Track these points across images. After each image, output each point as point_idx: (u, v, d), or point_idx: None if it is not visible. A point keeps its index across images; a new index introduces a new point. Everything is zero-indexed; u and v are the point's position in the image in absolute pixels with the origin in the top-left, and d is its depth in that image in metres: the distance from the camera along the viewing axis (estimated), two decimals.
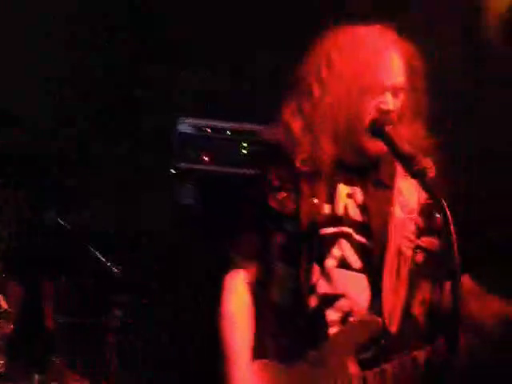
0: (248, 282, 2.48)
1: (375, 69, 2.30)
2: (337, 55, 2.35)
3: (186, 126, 3.82)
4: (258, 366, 2.36)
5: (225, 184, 3.81)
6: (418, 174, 2.11)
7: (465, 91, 3.62)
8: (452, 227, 1.92)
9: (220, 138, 3.85)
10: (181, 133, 3.81)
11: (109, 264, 3.34)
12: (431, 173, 2.15)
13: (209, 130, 3.84)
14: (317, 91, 2.37)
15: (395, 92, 2.33)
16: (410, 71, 2.35)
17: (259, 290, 2.45)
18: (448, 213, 1.95)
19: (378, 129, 2.28)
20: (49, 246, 3.49)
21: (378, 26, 2.39)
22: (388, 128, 2.25)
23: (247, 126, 3.84)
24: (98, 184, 4.02)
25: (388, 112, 2.31)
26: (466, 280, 2.30)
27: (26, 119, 3.71)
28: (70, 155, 4.02)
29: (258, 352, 2.40)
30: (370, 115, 2.31)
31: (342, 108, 2.33)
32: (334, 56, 2.35)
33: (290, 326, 2.36)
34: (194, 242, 3.84)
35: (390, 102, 2.32)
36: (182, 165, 3.82)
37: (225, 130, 3.85)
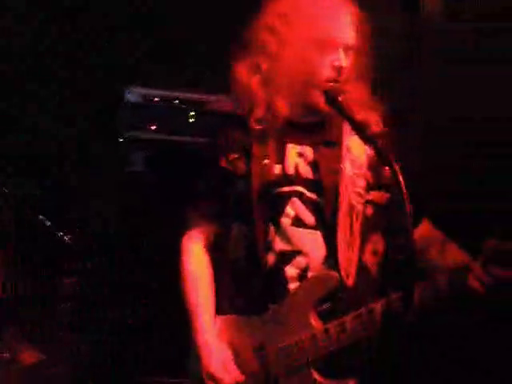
0: (205, 242, 2.58)
1: (330, 24, 2.38)
2: (293, 10, 2.41)
3: (134, 95, 3.86)
4: (221, 320, 2.49)
5: (175, 151, 3.87)
6: (370, 141, 2.23)
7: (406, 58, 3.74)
8: (402, 183, 2.02)
9: (168, 106, 3.90)
10: (129, 102, 3.85)
11: (60, 233, 3.39)
12: (377, 128, 2.34)
13: (156, 99, 3.90)
14: (274, 46, 2.43)
15: (346, 50, 2.40)
16: (358, 34, 2.42)
17: (217, 249, 2.57)
18: (397, 170, 2.05)
19: (331, 98, 2.35)
20: None
21: None
22: (342, 97, 2.33)
23: (195, 96, 3.89)
24: None
25: (340, 69, 2.38)
26: (426, 225, 2.50)
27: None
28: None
29: (221, 309, 2.52)
30: (324, 71, 2.38)
31: (298, 63, 2.39)
32: (290, 11, 2.41)
33: (249, 283, 2.46)
34: (145, 205, 3.89)
35: (343, 60, 2.39)
36: (130, 134, 3.86)
37: (173, 98, 3.90)
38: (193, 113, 3.85)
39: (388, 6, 3.76)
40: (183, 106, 3.84)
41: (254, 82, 2.45)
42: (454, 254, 2.37)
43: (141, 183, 3.92)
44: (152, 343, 3.86)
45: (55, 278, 3.49)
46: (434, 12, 3.70)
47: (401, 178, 2.02)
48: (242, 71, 2.47)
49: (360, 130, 2.26)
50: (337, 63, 2.38)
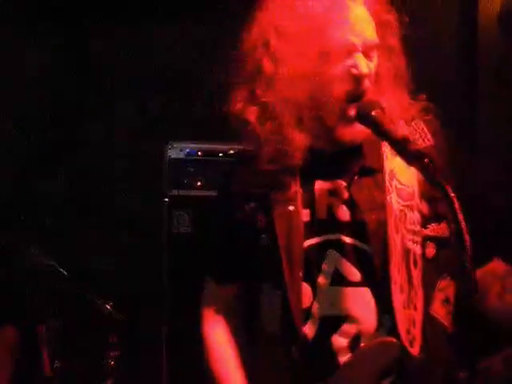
0: (227, 311, 2.18)
1: (335, 25, 1.87)
2: (285, 17, 1.92)
3: (176, 150, 3.65)
4: None
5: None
6: (414, 159, 1.77)
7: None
8: (459, 213, 1.63)
9: (212, 161, 3.67)
10: (171, 158, 3.65)
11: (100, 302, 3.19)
12: (424, 140, 1.92)
13: (200, 154, 3.68)
14: (268, 66, 1.95)
15: (367, 52, 1.92)
16: (382, 26, 1.95)
17: (249, 319, 2.13)
18: (453, 197, 1.65)
19: (363, 115, 1.91)
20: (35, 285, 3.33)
21: None
22: (376, 112, 1.88)
23: (239, 147, 3.64)
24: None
25: (361, 77, 1.91)
26: (498, 264, 2.03)
27: None
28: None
29: None
30: (339, 86, 1.91)
31: (302, 81, 1.90)
32: (282, 18, 1.92)
33: (288, 359, 2.00)
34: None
35: (363, 65, 1.91)
36: (175, 192, 3.64)
37: (216, 152, 3.67)
38: None
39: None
40: (228, 160, 3.63)
41: (251, 113, 1.98)
42: None
43: (188, 245, 3.66)
44: None
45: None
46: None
47: (454, 199, 1.62)
48: (237, 101, 2.00)
49: (400, 148, 1.81)
50: (356, 71, 1.91)
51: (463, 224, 1.60)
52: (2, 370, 3.36)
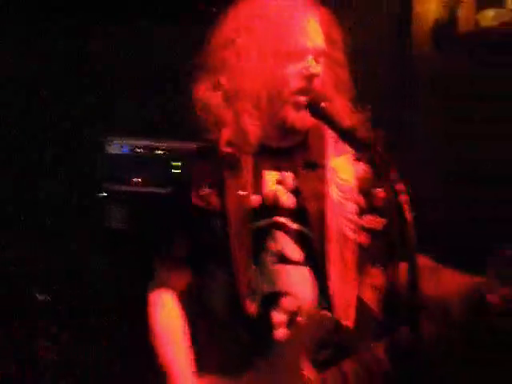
0: (178, 293, 2.30)
1: (291, 32, 2.17)
2: (252, 22, 2.21)
3: (114, 146, 3.69)
4: (202, 383, 2.18)
5: (156, 204, 3.68)
6: (362, 147, 1.99)
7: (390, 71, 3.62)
8: (406, 203, 1.79)
9: (150, 157, 3.73)
10: (109, 154, 3.68)
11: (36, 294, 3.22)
12: (368, 133, 2.07)
13: (138, 150, 3.73)
14: (232, 61, 2.21)
15: (316, 57, 2.19)
16: (330, 42, 2.23)
17: (192, 299, 2.28)
18: (400, 187, 1.82)
19: (313, 106, 2.13)
20: None
21: None
22: (325, 104, 2.11)
23: (177, 145, 3.72)
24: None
25: (311, 77, 2.17)
26: (421, 258, 2.15)
27: None
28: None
29: (201, 368, 2.20)
30: (293, 82, 2.17)
31: (260, 78, 2.17)
32: (249, 23, 2.21)
33: (231, 334, 2.16)
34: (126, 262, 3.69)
35: (314, 66, 2.17)
36: (112, 187, 3.68)
37: (155, 149, 3.73)
38: (177, 163, 3.69)
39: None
40: (166, 156, 3.69)
41: (215, 99, 2.23)
42: (461, 279, 2.08)
43: (122, 239, 3.71)
44: None
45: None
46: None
47: (402, 186, 1.79)
48: (202, 90, 2.24)
49: (349, 137, 2.02)
50: (306, 72, 2.17)
51: (408, 214, 1.76)
52: None
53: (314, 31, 2.19)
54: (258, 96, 2.17)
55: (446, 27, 3.67)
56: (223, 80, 2.21)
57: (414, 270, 1.76)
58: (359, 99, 2.28)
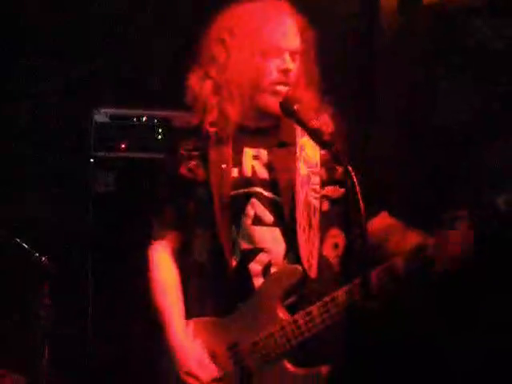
0: (171, 250, 2.70)
1: (272, 33, 2.55)
2: (236, 24, 2.60)
3: (102, 115, 3.92)
4: (193, 324, 2.58)
5: (142, 169, 3.93)
6: (325, 145, 2.34)
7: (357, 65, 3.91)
8: (355, 181, 2.12)
9: (135, 125, 3.97)
10: (97, 122, 3.92)
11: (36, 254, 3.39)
12: (329, 128, 2.49)
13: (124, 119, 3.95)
14: (221, 56, 2.59)
15: (292, 54, 2.57)
16: (303, 41, 2.61)
17: (183, 255, 2.67)
18: (351, 173, 2.14)
19: (287, 108, 2.48)
20: None
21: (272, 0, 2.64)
22: (297, 106, 2.45)
23: (162, 113, 3.97)
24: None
25: (286, 71, 2.56)
26: (385, 216, 2.63)
27: None
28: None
29: (192, 312, 2.61)
30: (271, 75, 2.54)
31: (245, 70, 2.56)
32: (234, 25, 2.60)
33: (216, 285, 2.57)
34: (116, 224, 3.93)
35: (289, 63, 2.56)
36: (100, 153, 3.93)
37: (140, 117, 3.97)
38: (160, 130, 3.94)
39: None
40: (150, 124, 3.94)
41: (205, 88, 2.61)
42: (415, 239, 2.44)
43: (111, 202, 3.95)
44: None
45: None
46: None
47: (354, 177, 2.12)
48: (194, 79, 2.63)
49: (315, 136, 2.36)
50: (283, 66, 2.54)
51: (358, 194, 2.10)
52: None
53: (290, 32, 2.58)
54: (241, 85, 2.56)
55: None
56: (212, 72, 2.61)
57: (363, 232, 2.10)
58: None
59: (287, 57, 2.55)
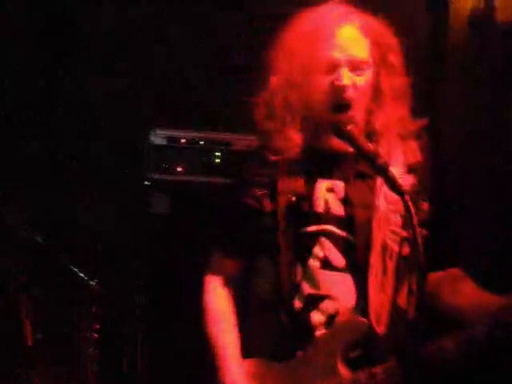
0: (228, 279, 2.48)
1: (323, 44, 2.27)
2: (285, 37, 2.34)
3: (159, 137, 3.85)
4: (248, 364, 2.37)
5: (199, 193, 3.84)
6: (380, 170, 2.13)
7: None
8: (415, 222, 1.95)
9: (193, 148, 3.88)
10: (154, 145, 3.85)
11: (85, 278, 3.35)
12: (415, 157, 2.25)
13: (182, 141, 3.88)
14: (272, 81, 2.36)
15: (353, 67, 2.28)
16: (382, 48, 2.31)
17: (242, 287, 2.47)
18: (411, 208, 1.97)
19: (338, 130, 2.26)
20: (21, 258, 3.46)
21: (331, 2, 2.36)
22: (350, 127, 2.23)
23: (220, 136, 3.87)
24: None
25: (343, 88, 2.27)
26: (457, 272, 2.35)
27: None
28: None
29: (246, 350, 2.40)
30: (327, 95, 2.28)
31: (295, 90, 2.30)
32: (283, 39, 2.34)
33: (275, 323, 2.34)
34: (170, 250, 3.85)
35: (346, 77, 2.26)
36: (155, 176, 3.84)
37: (198, 140, 3.88)
38: (218, 153, 3.85)
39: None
40: (209, 147, 3.85)
41: (259, 114, 2.39)
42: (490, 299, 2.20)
43: (165, 226, 3.87)
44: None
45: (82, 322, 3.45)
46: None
47: (412, 212, 1.96)
48: (254, 105, 2.41)
49: (369, 159, 2.16)
50: (338, 82, 2.26)
51: (417, 230, 1.95)
52: None
53: (347, 39, 2.28)
54: (296, 111, 2.33)
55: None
56: (265, 96, 2.37)
57: (421, 284, 1.99)
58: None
59: (345, 72, 2.26)
